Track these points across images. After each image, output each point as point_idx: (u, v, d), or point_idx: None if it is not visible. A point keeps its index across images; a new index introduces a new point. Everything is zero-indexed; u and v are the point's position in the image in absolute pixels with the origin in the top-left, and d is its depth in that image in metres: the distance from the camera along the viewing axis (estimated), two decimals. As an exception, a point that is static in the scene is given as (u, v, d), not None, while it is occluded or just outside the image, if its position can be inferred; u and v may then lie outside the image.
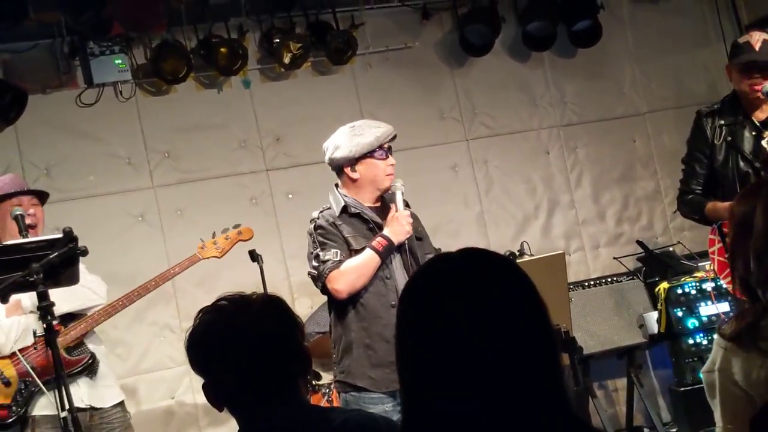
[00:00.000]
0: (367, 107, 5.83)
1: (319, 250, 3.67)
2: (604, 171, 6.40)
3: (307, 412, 2.14)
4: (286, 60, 5.53)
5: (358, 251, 3.66)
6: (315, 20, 5.71)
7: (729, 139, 4.18)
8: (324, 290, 3.69)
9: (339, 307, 3.71)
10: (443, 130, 6.10)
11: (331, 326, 3.79)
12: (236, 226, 4.45)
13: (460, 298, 1.48)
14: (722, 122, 4.23)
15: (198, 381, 5.92)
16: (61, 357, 3.56)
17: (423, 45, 6.09)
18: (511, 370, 1.45)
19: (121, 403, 4.18)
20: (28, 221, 4.03)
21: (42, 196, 4.23)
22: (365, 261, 3.63)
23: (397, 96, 5.97)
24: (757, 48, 4.07)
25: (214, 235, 4.39)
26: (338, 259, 3.63)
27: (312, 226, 3.75)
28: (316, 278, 3.69)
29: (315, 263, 3.68)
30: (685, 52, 6.64)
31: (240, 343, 2.05)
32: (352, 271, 3.62)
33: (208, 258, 4.33)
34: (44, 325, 3.38)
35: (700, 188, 4.31)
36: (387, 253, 3.65)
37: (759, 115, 4.16)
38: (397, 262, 3.72)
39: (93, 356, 4.05)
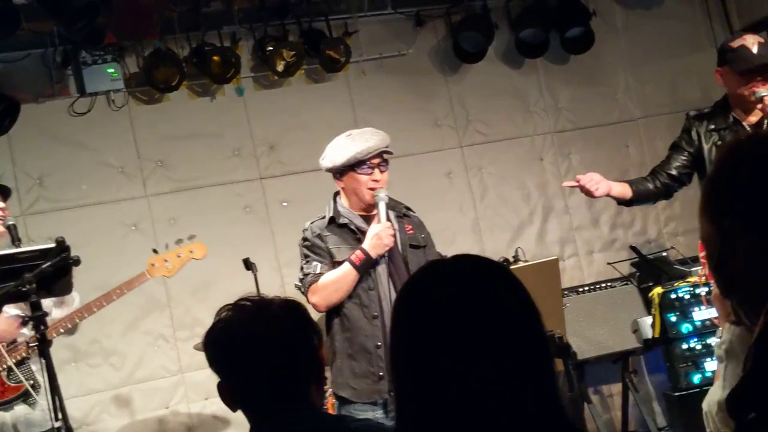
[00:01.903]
0: (361, 115, 5.84)
1: (303, 262, 3.73)
2: (598, 177, 6.40)
3: (319, 419, 2.14)
4: (280, 68, 5.53)
5: (341, 263, 3.67)
6: (308, 28, 5.72)
7: (719, 143, 4.16)
8: (308, 303, 3.71)
9: (326, 317, 3.75)
10: (438, 137, 6.10)
11: (327, 337, 3.82)
12: (191, 237, 4.36)
13: (453, 305, 1.48)
14: (712, 126, 4.19)
15: (192, 391, 5.92)
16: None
17: (417, 52, 6.09)
18: (504, 377, 1.44)
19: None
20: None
21: (4, 192, 4.18)
22: (341, 275, 3.64)
23: (391, 103, 5.97)
24: (755, 51, 4.05)
25: (167, 246, 4.31)
26: (318, 272, 3.66)
27: (300, 239, 3.80)
28: (300, 290, 3.75)
29: (300, 275, 3.74)
30: (677, 58, 6.66)
31: (256, 345, 2.05)
32: (329, 286, 3.65)
33: (156, 277, 4.27)
34: (37, 335, 3.37)
35: (666, 177, 4.25)
36: (365, 266, 3.64)
37: (750, 119, 4.13)
38: (382, 271, 3.70)
39: (33, 386, 3.90)
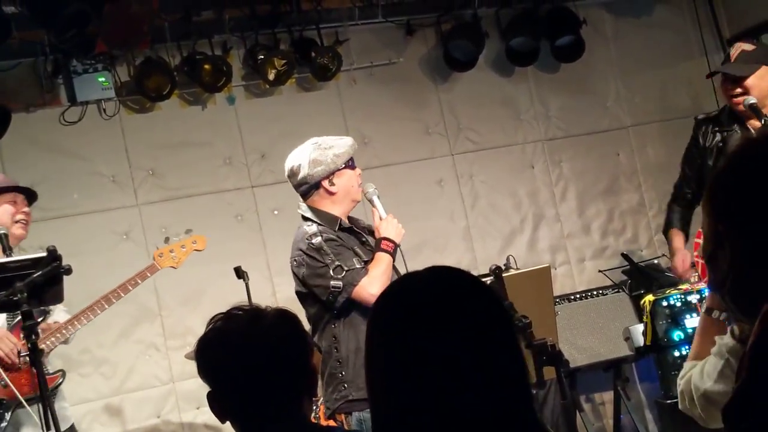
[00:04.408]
0: (352, 123, 5.84)
1: (338, 261, 3.55)
2: (589, 185, 6.42)
3: (310, 430, 2.13)
4: (271, 76, 5.54)
5: (366, 262, 3.62)
6: (299, 36, 5.72)
7: (720, 144, 4.14)
8: (345, 302, 3.52)
9: (354, 319, 3.56)
10: (429, 145, 6.11)
11: (336, 345, 3.59)
12: (188, 232, 4.39)
13: (426, 317, 1.48)
14: (716, 128, 4.19)
15: (184, 400, 5.89)
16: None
17: (407, 61, 6.10)
18: (477, 387, 1.44)
19: (72, 427, 4.09)
20: (22, 217, 4.07)
21: (32, 197, 4.25)
22: (386, 264, 3.59)
23: (382, 112, 5.98)
24: (732, 59, 4.06)
25: (167, 240, 4.33)
26: (361, 266, 3.56)
27: (318, 240, 3.59)
28: (340, 290, 3.52)
29: (335, 274, 3.52)
30: (667, 66, 6.69)
31: (249, 355, 2.05)
32: (382, 275, 3.54)
33: (165, 267, 4.30)
34: (29, 345, 3.35)
35: (690, 191, 4.28)
36: (394, 254, 3.64)
37: (754, 123, 4.09)
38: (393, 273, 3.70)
39: (62, 376, 3.99)
